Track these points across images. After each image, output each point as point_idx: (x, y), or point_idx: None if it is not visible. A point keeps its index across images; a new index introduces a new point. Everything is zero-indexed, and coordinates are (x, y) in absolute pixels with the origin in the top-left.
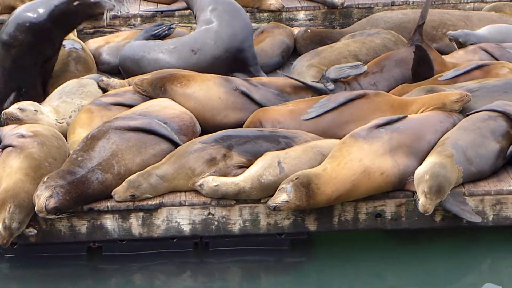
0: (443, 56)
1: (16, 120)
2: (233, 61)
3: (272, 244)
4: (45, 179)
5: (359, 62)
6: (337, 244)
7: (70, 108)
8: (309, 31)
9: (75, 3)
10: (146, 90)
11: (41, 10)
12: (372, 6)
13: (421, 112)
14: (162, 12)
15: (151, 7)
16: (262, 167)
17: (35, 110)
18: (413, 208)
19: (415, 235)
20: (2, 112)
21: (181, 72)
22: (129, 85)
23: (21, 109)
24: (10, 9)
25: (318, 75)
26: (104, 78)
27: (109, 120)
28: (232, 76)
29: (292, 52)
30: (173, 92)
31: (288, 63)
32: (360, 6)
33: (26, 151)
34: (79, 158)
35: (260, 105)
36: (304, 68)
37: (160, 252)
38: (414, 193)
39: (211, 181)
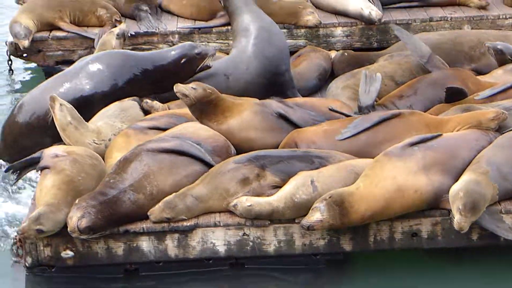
0: (481, 76)
1: (51, 109)
2: (269, 85)
3: (307, 264)
4: (77, 201)
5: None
6: (374, 264)
7: (110, 131)
8: (346, 54)
9: (182, 61)
10: (191, 100)
11: (154, 62)
12: (410, 22)
13: (457, 131)
14: (199, 29)
15: (189, 24)
16: (295, 186)
17: (69, 121)
18: (449, 227)
19: (453, 253)
20: (51, 95)
21: (219, 105)
22: (169, 109)
23: (61, 108)
24: (48, 26)
25: (354, 96)
26: (148, 100)
27: (142, 143)
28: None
29: (330, 75)
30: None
31: (326, 86)
32: (397, 22)
33: (58, 169)
34: (111, 180)
35: (297, 126)
36: (340, 90)
37: (196, 272)
38: (449, 211)
39: (244, 201)
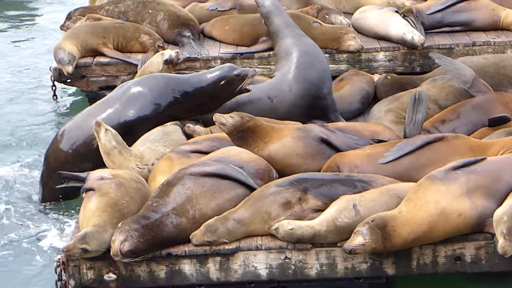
0: None
1: (96, 134)
2: (311, 108)
3: None
4: (119, 225)
5: (412, 94)
6: None
7: (153, 155)
8: (389, 77)
9: (222, 83)
10: (229, 129)
11: (194, 85)
12: (453, 46)
13: (501, 155)
14: (241, 54)
15: (231, 49)
16: (337, 210)
17: (114, 146)
18: (493, 251)
19: (497, 277)
20: (96, 121)
21: (258, 132)
22: (212, 133)
23: (106, 133)
24: (92, 52)
25: (396, 120)
26: (190, 125)
27: (184, 167)
28: (311, 122)
29: (373, 99)
30: None
31: (369, 110)
32: (440, 46)
33: (103, 192)
34: (154, 204)
35: (339, 151)
36: (382, 113)
37: None
38: (493, 235)
39: (286, 225)
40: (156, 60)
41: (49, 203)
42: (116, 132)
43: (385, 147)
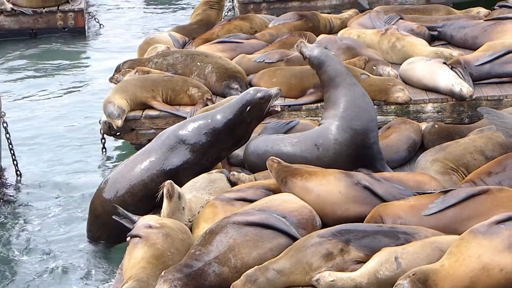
0: None
1: (167, 196)
2: (357, 157)
3: None
4: (162, 274)
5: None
6: None
7: (199, 203)
8: (436, 126)
9: (247, 109)
10: (282, 163)
11: (220, 119)
12: (501, 98)
13: None
14: (289, 106)
15: (279, 101)
16: (379, 262)
17: (182, 208)
18: None
19: None
20: (169, 182)
21: (305, 168)
22: (256, 180)
23: (179, 196)
24: (142, 105)
25: (442, 171)
26: (235, 173)
27: (228, 216)
28: (357, 171)
29: (420, 147)
30: (293, 185)
31: (415, 159)
32: (489, 98)
33: (150, 242)
34: (197, 252)
35: (383, 200)
36: (428, 164)
37: None
38: None
39: (327, 276)
40: None
41: (94, 247)
42: (184, 195)
43: (429, 198)
